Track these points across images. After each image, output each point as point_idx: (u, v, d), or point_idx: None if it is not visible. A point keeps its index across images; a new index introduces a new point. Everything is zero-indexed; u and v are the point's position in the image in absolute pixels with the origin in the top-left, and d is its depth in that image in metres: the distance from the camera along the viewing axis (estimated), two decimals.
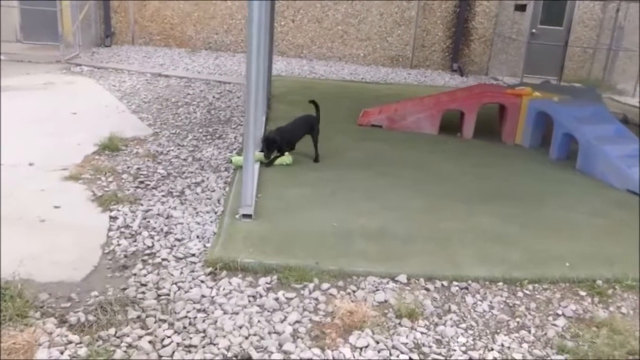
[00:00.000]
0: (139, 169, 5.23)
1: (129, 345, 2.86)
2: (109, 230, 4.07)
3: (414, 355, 2.96)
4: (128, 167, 5.24)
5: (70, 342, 2.84)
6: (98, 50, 11.65)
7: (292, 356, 2.89)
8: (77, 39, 10.99)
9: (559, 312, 3.46)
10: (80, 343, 2.84)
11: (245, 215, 4.26)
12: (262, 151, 5.49)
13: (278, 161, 5.62)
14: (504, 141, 7.38)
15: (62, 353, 2.76)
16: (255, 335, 3.02)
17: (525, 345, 3.12)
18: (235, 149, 6.04)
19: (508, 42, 13.36)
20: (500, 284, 3.71)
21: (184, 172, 5.27)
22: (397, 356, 2.95)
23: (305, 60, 13.04)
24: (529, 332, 3.25)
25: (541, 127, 7.16)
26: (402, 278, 3.67)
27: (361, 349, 2.98)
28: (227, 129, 6.84)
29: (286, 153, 5.68)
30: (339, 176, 5.46)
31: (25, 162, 5.14)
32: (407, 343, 3.05)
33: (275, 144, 5.56)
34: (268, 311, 3.24)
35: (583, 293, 3.68)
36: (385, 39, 13.58)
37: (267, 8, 5.51)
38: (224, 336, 2.99)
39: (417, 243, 4.17)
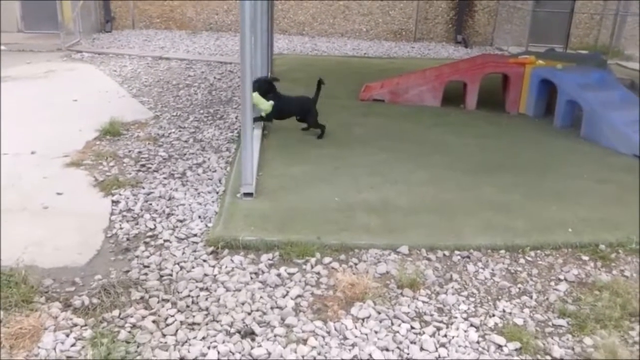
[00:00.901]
0: (140, 152, 5.25)
1: (133, 326, 2.90)
2: (111, 214, 4.10)
3: (416, 324, 2.97)
4: (129, 151, 5.26)
5: (75, 325, 2.88)
6: (99, 36, 11.62)
7: (295, 329, 2.91)
8: (77, 25, 10.97)
9: (561, 277, 3.45)
10: (85, 325, 2.88)
11: (246, 194, 4.27)
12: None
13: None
14: (508, 111, 7.30)
15: (67, 336, 2.80)
16: (257, 310, 3.05)
17: (526, 311, 3.12)
18: (236, 129, 6.02)
19: (513, 12, 13.14)
20: (503, 251, 3.71)
21: (185, 154, 5.28)
22: (399, 325, 2.97)
23: (307, 37, 12.93)
24: (531, 297, 3.25)
25: (545, 96, 7.07)
26: (404, 249, 3.68)
27: (363, 319, 3.00)
28: (229, 109, 6.82)
29: (263, 100, 5.57)
30: (341, 152, 5.44)
31: (27, 150, 5.17)
32: (408, 312, 3.07)
33: (269, 88, 5.60)
34: (270, 287, 3.26)
35: (586, 258, 3.67)
36: (388, 13, 13.41)
37: None
38: (227, 313, 3.02)
39: (419, 215, 4.16)
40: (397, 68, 9.62)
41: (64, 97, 7.05)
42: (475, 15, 13.59)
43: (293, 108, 5.85)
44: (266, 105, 5.57)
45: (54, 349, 2.72)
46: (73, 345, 2.75)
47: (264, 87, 5.61)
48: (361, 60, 10.77)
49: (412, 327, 2.95)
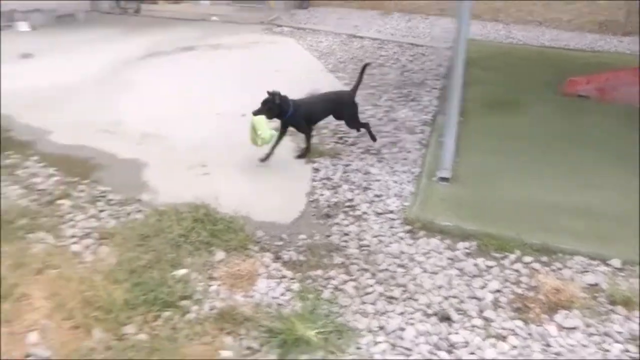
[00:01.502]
0: (337, 125, 5.43)
1: (335, 288, 3.06)
2: (313, 180, 4.33)
3: (631, 347, 2.71)
4: (327, 123, 5.48)
5: (284, 277, 3.13)
6: (297, 12, 12.24)
7: (493, 324, 2.83)
8: (278, 1, 11.68)
9: None
10: (293, 279, 3.11)
11: (442, 178, 4.23)
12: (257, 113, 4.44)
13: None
14: None
15: (278, 285, 3.05)
16: (455, 297, 3.02)
17: None
18: (430, 112, 5.95)
19: None
20: None
21: (379, 132, 5.34)
22: (610, 344, 2.73)
23: (502, 24, 12.27)
24: None
25: None
26: (616, 262, 3.35)
27: (569, 329, 2.81)
28: (421, 91, 6.76)
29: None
30: (539, 147, 5.11)
31: (237, 112, 5.65)
32: (622, 332, 2.81)
33: (274, 104, 4.46)
34: (468, 276, 3.21)
35: None
36: (595, 2, 12.16)
37: None
38: (424, 293, 3.04)
39: (631, 225, 3.76)
40: (602, 63, 8.71)
41: (267, 66, 7.57)
42: None
43: (324, 108, 4.84)
44: (266, 134, 4.34)
45: (266, 294, 2.98)
46: (282, 294, 2.99)
47: (275, 109, 4.48)
48: (560, 52, 9.94)
49: (627, 350, 2.70)
